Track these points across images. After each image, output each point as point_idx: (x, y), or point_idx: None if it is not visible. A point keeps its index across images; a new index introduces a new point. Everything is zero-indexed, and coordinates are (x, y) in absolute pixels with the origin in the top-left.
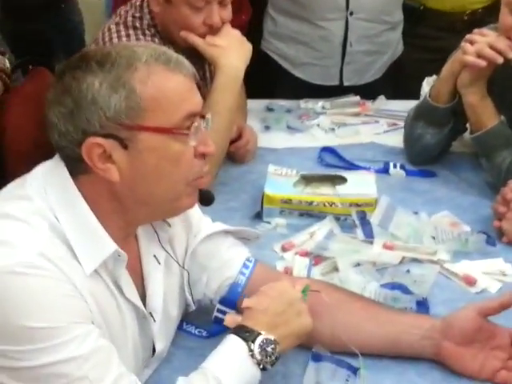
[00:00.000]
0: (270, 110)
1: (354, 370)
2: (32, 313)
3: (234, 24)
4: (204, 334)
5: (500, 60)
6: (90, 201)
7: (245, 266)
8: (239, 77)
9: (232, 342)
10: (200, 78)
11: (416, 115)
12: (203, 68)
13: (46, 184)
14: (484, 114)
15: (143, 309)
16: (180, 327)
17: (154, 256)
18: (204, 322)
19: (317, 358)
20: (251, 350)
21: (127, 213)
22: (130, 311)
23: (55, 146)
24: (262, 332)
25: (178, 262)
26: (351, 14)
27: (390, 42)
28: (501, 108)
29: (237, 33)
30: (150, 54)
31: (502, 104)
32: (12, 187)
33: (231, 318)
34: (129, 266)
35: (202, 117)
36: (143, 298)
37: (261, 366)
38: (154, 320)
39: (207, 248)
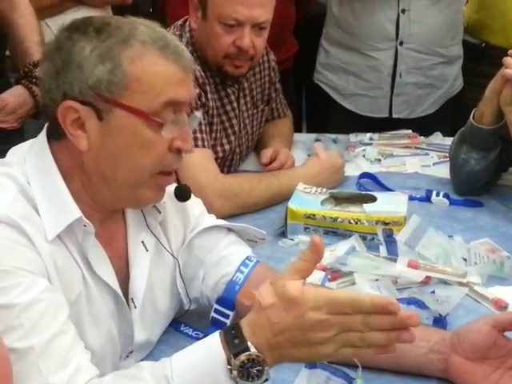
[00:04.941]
0: (317, 140)
1: (350, 381)
2: None
3: (279, 58)
4: (201, 336)
5: None
6: (63, 171)
7: (244, 264)
8: None
9: (213, 343)
10: (232, 100)
11: (460, 139)
12: (237, 93)
13: (27, 153)
14: None
15: (117, 290)
16: (178, 329)
17: (142, 242)
18: (203, 324)
19: (311, 365)
20: (230, 364)
21: (93, 188)
22: (100, 288)
23: (41, 102)
24: (252, 348)
25: (166, 249)
26: (401, 43)
27: (446, 76)
28: None
29: None
30: (149, 35)
31: None
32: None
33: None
34: (113, 249)
35: (189, 113)
36: (127, 283)
37: None
38: (135, 306)
39: (205, 241)
